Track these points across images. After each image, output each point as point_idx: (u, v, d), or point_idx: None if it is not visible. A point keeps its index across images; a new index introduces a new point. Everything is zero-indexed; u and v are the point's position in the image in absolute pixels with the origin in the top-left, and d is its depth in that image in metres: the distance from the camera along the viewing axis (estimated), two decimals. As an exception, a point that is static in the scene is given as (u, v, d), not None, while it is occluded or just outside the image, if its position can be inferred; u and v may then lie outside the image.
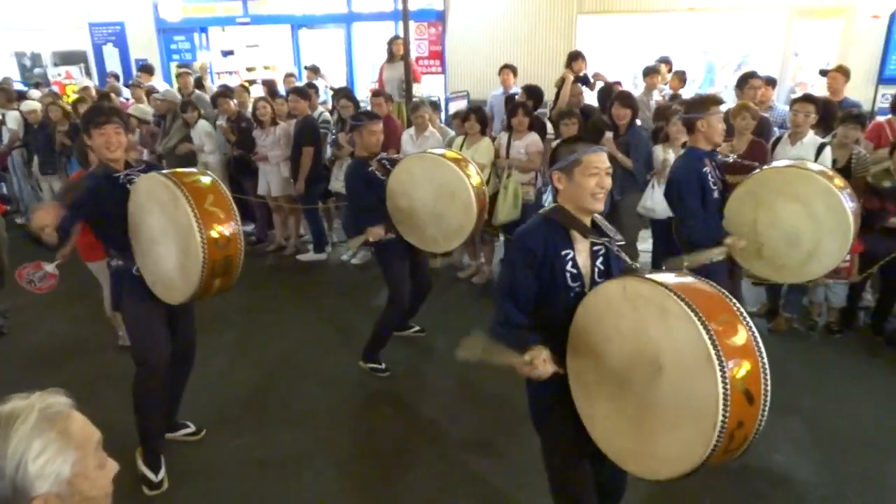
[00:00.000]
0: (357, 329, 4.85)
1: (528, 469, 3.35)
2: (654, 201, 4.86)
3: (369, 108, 6.64)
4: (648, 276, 2.00)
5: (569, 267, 2.21)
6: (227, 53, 12.64)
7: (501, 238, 5.85)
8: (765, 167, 3.51)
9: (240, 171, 6.94)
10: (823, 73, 6.22)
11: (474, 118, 5.50)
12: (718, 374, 1.71)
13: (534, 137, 5.46)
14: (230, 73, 12.30)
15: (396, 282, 4.28)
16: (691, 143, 3.57)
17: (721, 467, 3.32)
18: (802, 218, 3.24)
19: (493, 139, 5.72)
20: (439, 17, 10.38)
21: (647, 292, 1.92)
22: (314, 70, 9.03)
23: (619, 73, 8.46)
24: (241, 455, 3.56)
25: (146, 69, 10.61)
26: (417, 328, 4.93)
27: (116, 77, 10.96)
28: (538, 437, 2.42)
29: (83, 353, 4.78)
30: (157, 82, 10.01)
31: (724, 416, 1.71)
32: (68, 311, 5.39)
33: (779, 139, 4.80)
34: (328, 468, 3.45)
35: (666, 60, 7.80)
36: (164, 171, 3.05)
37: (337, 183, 6.31)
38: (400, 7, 7.07)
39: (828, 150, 4.50)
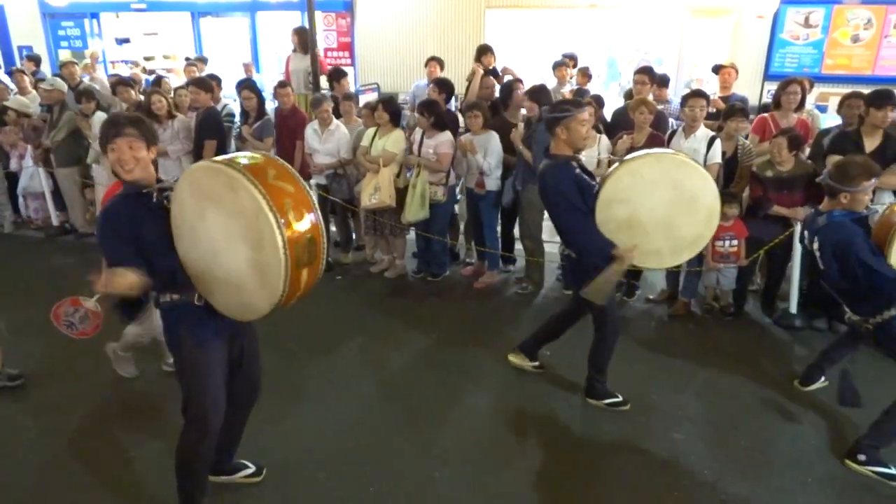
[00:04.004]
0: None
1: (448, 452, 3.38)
2: None
3: (275, 99, 6.44)
4: None
5: None
6: (122, 41, 11.97)
7: (413, 232, 5.83)
8: None
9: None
10: (716, 69, 6.58)
11: (382, 108, 5.46)
12: None
13: (445, 137, 5.35)
14: (127, 62, 11.65)
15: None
16: (830, 207, 3.33)
17: (622, 446, 3.48)
18: None
19: (413, 130, 5.67)
20: (347, 8, 10.23)
21: None
22: (200, 60, 8.68)
23: (526, 67, 8.62)
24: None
25: (33, 59, 9.92)
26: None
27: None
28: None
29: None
30: (45, 71, 9.36)
31: None
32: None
33: (674, 132, 5.04)
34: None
35: (571, 57, 8.00)
36: (204, 160, 2.48)
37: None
38: (306, -4, 6.90)
39: (718, 143, 4.77)
